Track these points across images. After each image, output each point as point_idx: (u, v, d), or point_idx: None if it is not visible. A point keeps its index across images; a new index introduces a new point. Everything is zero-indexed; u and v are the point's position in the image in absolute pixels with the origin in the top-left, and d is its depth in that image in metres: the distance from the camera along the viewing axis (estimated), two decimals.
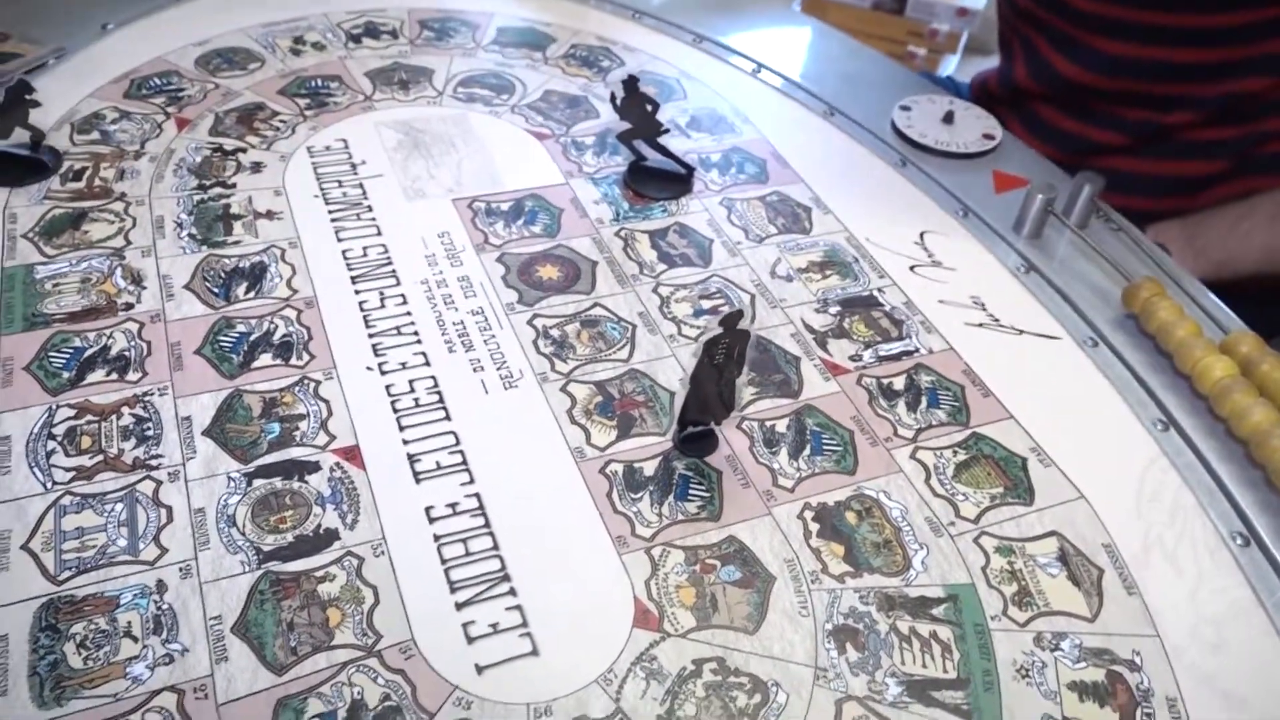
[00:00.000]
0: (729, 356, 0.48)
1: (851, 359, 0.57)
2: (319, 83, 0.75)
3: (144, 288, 0.57)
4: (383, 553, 0.45)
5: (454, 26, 0.83)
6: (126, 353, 0.53)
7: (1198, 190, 0.83)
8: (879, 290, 0.62)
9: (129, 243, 0.59)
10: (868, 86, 0.81)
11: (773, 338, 0.58)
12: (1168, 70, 0.78)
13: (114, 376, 0.52)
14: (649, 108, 0.66)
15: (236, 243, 0.60)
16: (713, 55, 0.83)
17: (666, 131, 0.67)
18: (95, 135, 0.67)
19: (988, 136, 0.75)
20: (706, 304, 0.60)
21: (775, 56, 0.83)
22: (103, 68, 0.73)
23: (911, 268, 0.64)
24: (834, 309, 0.61)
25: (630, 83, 0.65)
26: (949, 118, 0.76)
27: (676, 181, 0.68)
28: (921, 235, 0.67)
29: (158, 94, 0.71)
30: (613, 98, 0.67)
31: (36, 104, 0.64)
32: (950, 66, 1.88)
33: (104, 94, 0.71)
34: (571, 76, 0.79)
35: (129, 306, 0.55)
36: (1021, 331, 0.60)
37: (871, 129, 0.76)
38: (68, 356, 0.52)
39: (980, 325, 0.60)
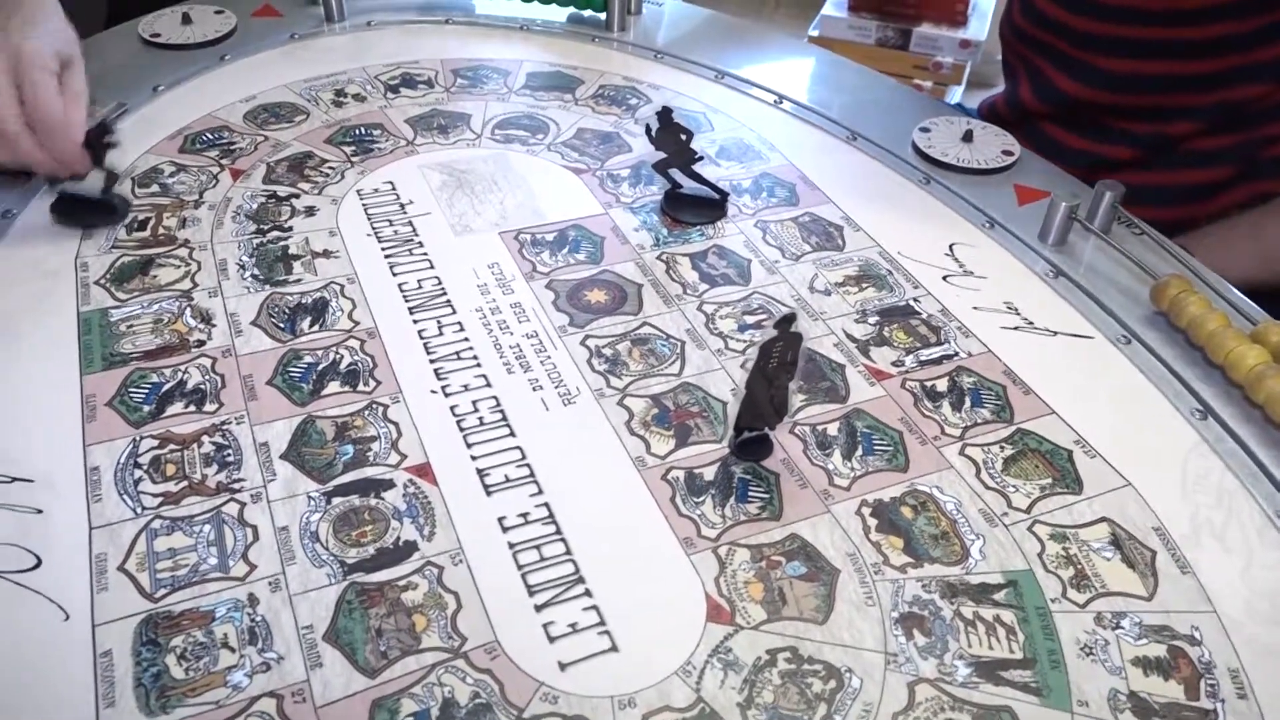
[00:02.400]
0: (781, 362, 0.50)
1: (894, 364, 0.59)
2: (363, 131, 0.78)
3: (213, 325, 0.59)
4: (461, 561, 0.47)
5: (486, 74, 0.87)
6: (202, 386, 0.55)
7: (1207, 197, 0.85)
8: (914, 300, 0.64)
9: (196, 285, 0.62)
10: (885, 111, 0.84)
11: (817, 347, 0.60)
12: (1168, 83, 0.81)
13: (192, 408, 0.54)
14: (683, 137, 0.69)
15: (297, 281, 0.63)
16: (735, 89, 0.86)
17: (701, 159, 0.70)
18: (155, 188, 0.70)
19: (1007, 153, 0.78)
20: (750, 319, 0.62)
21: (794, 88, 0.87)
22: (157, 126, 0.77)
23: (944, 278, 0.66)
24: (873, 319, 0.63)
25: (664, 114, 0.68)
26: (968, 136, 0.79)
27: (711, 207, 0.71)
28: (951, 247, 0.69)
29: (211, 148, 0.75)
30: (648, 129, 0.70)
31: (114, 144, 0.66)
32: (954, 99, 1.92)
33: (160, 150, 0.74)
34: (602, 115, 0.82)
35: (201, 343, 0.58)
36: (1055, 333, 0.62)
37: (893, 150, 0.79)
38: (147, 391, 0.55)
39: (1015, 329, 0.62)
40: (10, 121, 0.62)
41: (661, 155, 0.70)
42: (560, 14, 0.96)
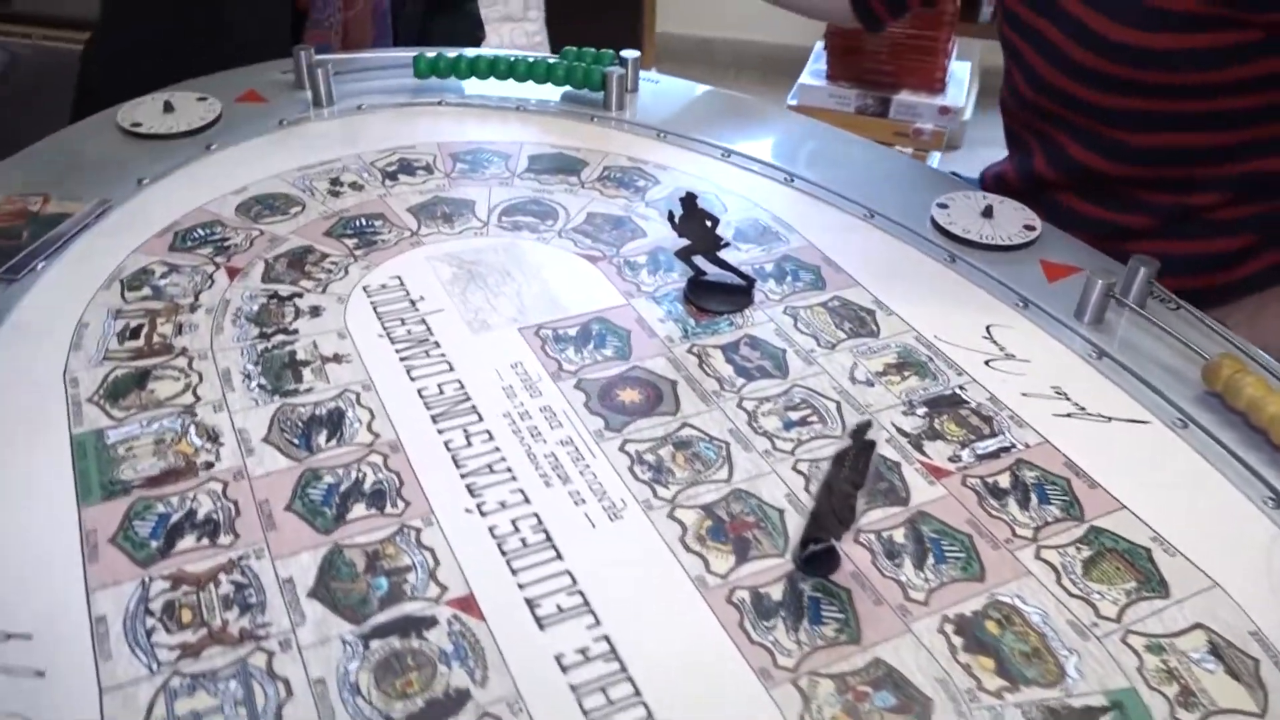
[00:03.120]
0: (852, 470, 0.46)
1: (951, 460, 0.56)
2: (363, 222, 0.74)
3: (221, 444, 0.55)
4: (521, 710, 0.42)
5: (486, 158, 0.84)
6: (214, 515, 0.50)
7: (1228, 266, 0.84)
8: (960, 388, 0.62)
9: (198, 399, 0.57)
10: (898, 187, 0.83)
11: None
12: (1190, 154, 0.81)
13: (205, 542, 0.49)
14: (709, 223, 0.66)
15: (308, 390, 0.59)
16: (743, 168, 0.84)
17: (727, 245, 0.67)
18: (147, 291, 0.66)
19: (1028, 227, 0.76)
20: (794, 415, 0.59)
21: (803, 164, 0.85)
22: (144, 222, 0.72)
23: (987, 362, 0.64)
24: (921, 410, 0.60)
25: (689, 200, 0.65)
26: (989, 212, 0.77)
27: (738, 294, 0.68)
28: (988, 329, 0.67)
29: (203, 244, 0.71)
30: (670, 216, 0.67)
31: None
32: (933, 164, 1.94)
33: (150, 248, 0.70)
34: (610, 198, 0.79)
35: (209, 465, 0.53)
36: (1110, 419, 0.60)
37: (912, 227, 0.77)
38: (153, 524, 0.50)
39: (1069, 415, 0.60)
40: None
41: (685, 242, 0.67)
42: (555, 93, 0.94)
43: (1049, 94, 0.86)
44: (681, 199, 0.66)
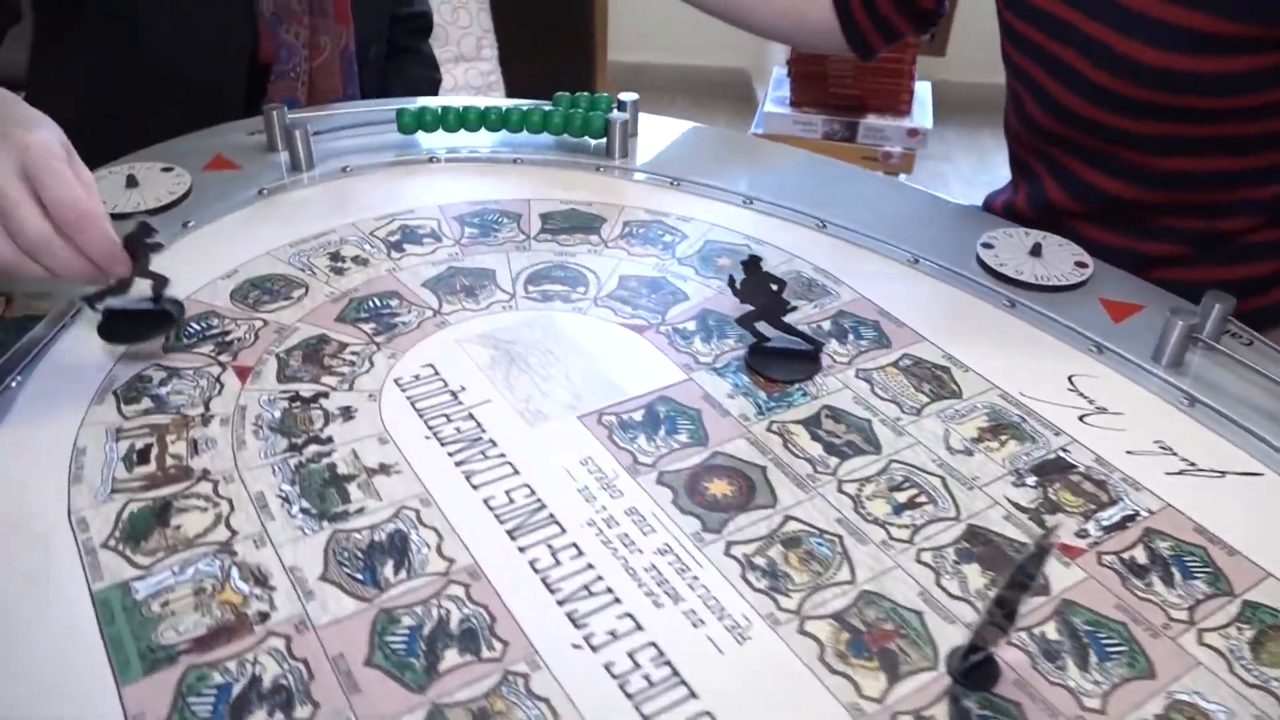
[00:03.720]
0: (1024, 572, 0.42)
1: (1079, 535, 0.52)
2: (377, 303, 0.67)
3: (273, 589, 0.47)
4: None
5: (494, 219, 0.77)
6: (283, 681, 0.43)
7: (1262, 290, 0.82)
8: (1063, 450, 0.58)
9: (234, 532, 0.50)
10: (934, 225, 0.79)
11: (988, 524, 0.53)
12: (1221, 179, 0.78)
13: (280, 717, 0.42)
14: (773, 286, 0.61)
15: (360, 510, 0.51)
16: (770, 215, 0.80)
17: (793, 310, 0.62)
18: (147, 403, 0.58)
19: (1080, 265, 0.73)
20: (900, 496, 0.54)
21: (828, 208, 0.80)
22: None
23: (1081, 418, 0.60)
24: (1030, 479, 0.56)
25: (752, 263, 0.60)
26: (1037, 250, 0.74)
27: (804, 360, 0.63)
28: (1070, 379, 0.63)
29: (202, 341, 0.63)
30: (731, 281, 0.61)
31: (159, 246, 0.59)
32: None
33: (139, 351, 0.62)
34: (639, 258, 0.73)
35: (264, 617, 0.46)
36: (1224, 473, 0.56)
37: (959, 270, 0.73)
38: (213, 700, 0.42)
39: (1181, 473, 0.56)
40: (35, 227, 0.54)
41: (747, 308, 0.62)
42: (547, 141, 0.88)
43: (1065, 119, 0.84)
44: (744, 262, 0.60)
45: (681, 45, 2.62)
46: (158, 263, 0.60)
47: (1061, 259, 0.74)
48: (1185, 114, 0.76)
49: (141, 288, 0.60)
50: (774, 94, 2.01)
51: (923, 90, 1.97)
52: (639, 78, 2.59)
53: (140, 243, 0.58)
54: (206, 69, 0.92)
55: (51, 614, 0.45)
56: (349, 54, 1.00)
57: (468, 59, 1.47)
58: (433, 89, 1.18)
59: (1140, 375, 0.64)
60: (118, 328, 0.60)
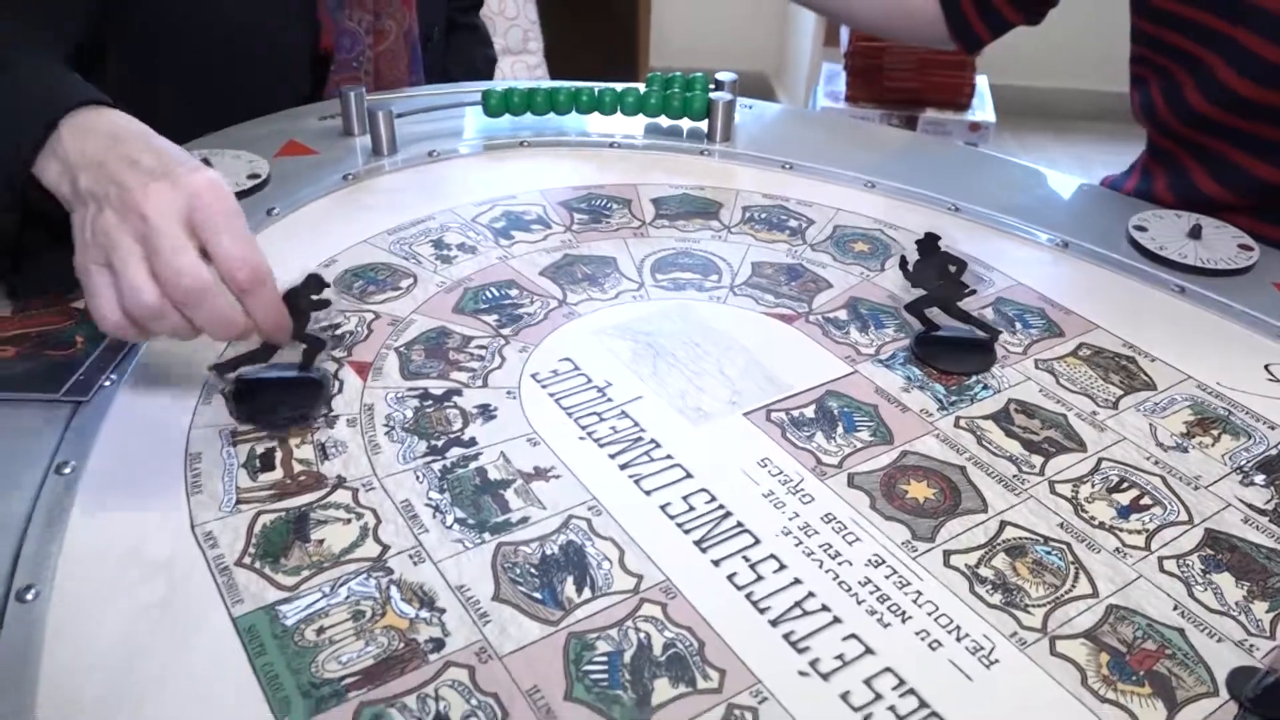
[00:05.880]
0: None
1: None
2: (496, 293, 0.61)
3: (441, 610, 0.41)
4: None
5: (603, 205, 0.71)
6: (474, 719, 0.37)
7: None
8: None
9: (385, 547, 0.43)
10: (1071, 208, 0.74)
11: (1228, 529, 0.47)
12: None
13: None
14: (952, 268, 0.55)
15: (523, 521, 0.45)
16: (896, 197, 0.74)
17: (973, 293, 0.56)
18: None
19: (1245, 247, 0.68)
20: (1123, 498, 0.48)
21: (957, 191, 0.74)
22: None
23: None
24: (1259, 478, 0.50)
25: (929, 241, 0.55)
26: (1196, 232, 0.68)
27: (980, 350, 0.57)
28: (1267, 368, 0.57)
29: None
30: (903, 262, 0.56)
31: (325, 304, 0.50)
32: None
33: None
34: (766, 244, 0.67)
35: (438, 645, 0.39)
36: None
37: (1114, 254, 0.68)
38: None
39: None
40: (194, 278, 0.45)
41: (920, 293, 0.56)
42: (636, 125, 0.82)
43: (1236, 107, 0.77)
44: (919, 241, 0.55)
45: (710, 51, 2.58)
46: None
47: (1223, 241, 0.68)
48: None
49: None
50: (826, 88, 1.96)
51: (983, 84, 1.91)
52: None
53: (305, 300, 0.50)
54: (267, 63, 0.85)
55: (190, 648, 0.39)
56: (413, 38, 0.94)
57: (514, 52, 1.41)
58: (489, 68, 1.11)
59: None
60: (259, 403, 0.50)
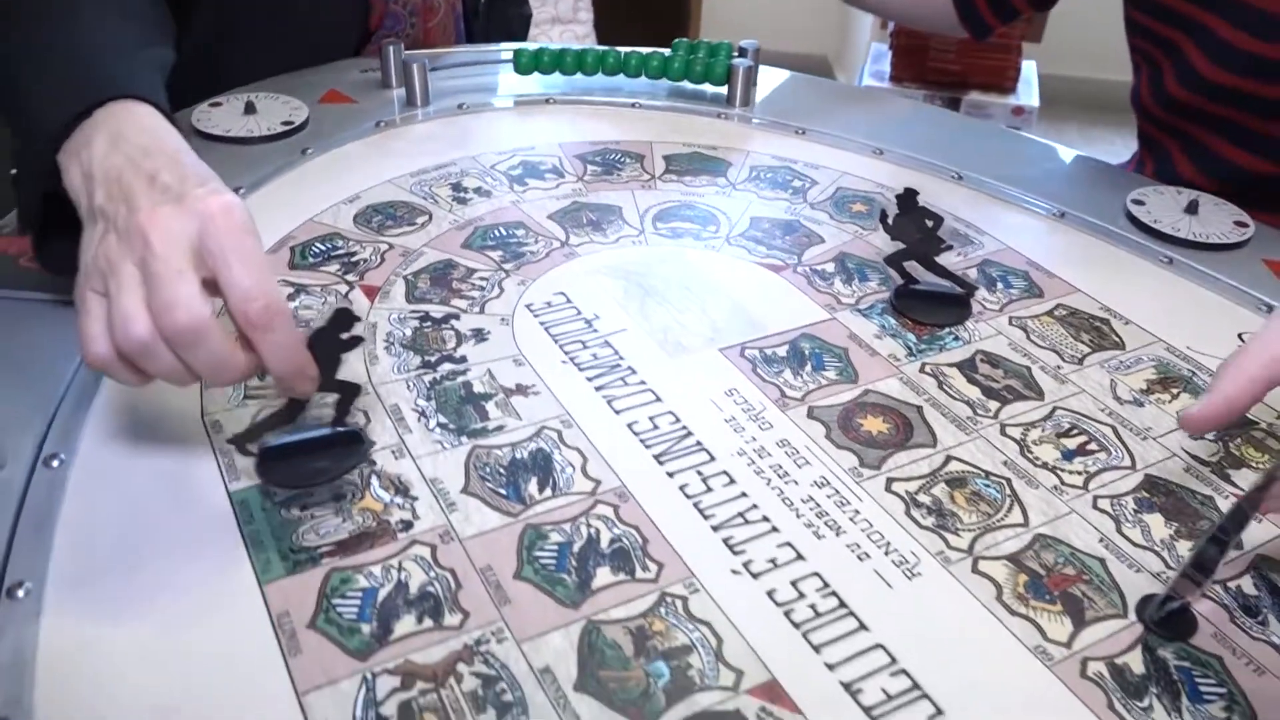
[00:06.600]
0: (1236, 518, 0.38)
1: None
2: (504, 232, 0.65)
3: (414, 498, 0.45)
4: None
5: (617, 159, 0.75)
6: (430, 588, 0.41)
7: None
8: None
9: (372, 442, 0.48)
10: (1074, 181, 0.75)
11: (1168, 475, 0.49)
12: None
13: (428, 623, 0.39)
14: (929, 223, 0.57)
15: (499, 428, 0.49)
16: (903, 165, 0.76)
17: (949, 248, 0.59)
18: None
19: (1240, 224, 0.69)
20: (1071, 442, 0.50)
21: (966, 161, 0.76)
22: None
23: None
24: (1209, 434, 0.52)
25: (908, 196, 0.57)
26: (1193, 207, 0.69)
27: (955, 304, 0.59)
28: (1240, 337, 0.59)
29: (328, 260, 0.61)
30: (883, 216, 0.58)
31: (358, 342, 0.44)
32: None
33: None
34: (769, 200, 0.70)
35: (407, 525, 0.44)
36: None
37: (1110, 226, 0.69)
38: (358, 603, 0.40)
39: None
40: (199, 326, 0.40)
41: (899, 246, 0.59)
42: (663, 88, 0.86)
43: (1209, 92, 0.78)
44: (899, 195, 0.57)
45: (766, 32, 2.59)
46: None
47: (1219, 218, 0.69)
48: None
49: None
50: (872, 68, 1.96)
51: (1028, 69, 1.90)
52: None
53: (334, 341, 0.43)
54: (315, 44, 0.89)
55: (190, 510, 0.44)
56: (458, 11, 0.98)
57: (564, 21, 1.45)
58: (524, 26, 1.14)
59: None
60: (291, 469, 0.44)
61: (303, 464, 0.44)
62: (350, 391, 0.45)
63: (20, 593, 0.39)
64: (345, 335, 0.44)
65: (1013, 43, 1.78)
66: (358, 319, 0.44)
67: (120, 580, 0.40)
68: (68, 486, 0.44)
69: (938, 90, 1.85)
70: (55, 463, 0.45)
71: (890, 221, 0.58)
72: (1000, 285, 0.63)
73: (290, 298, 0.57)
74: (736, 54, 0.86)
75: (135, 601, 0.40)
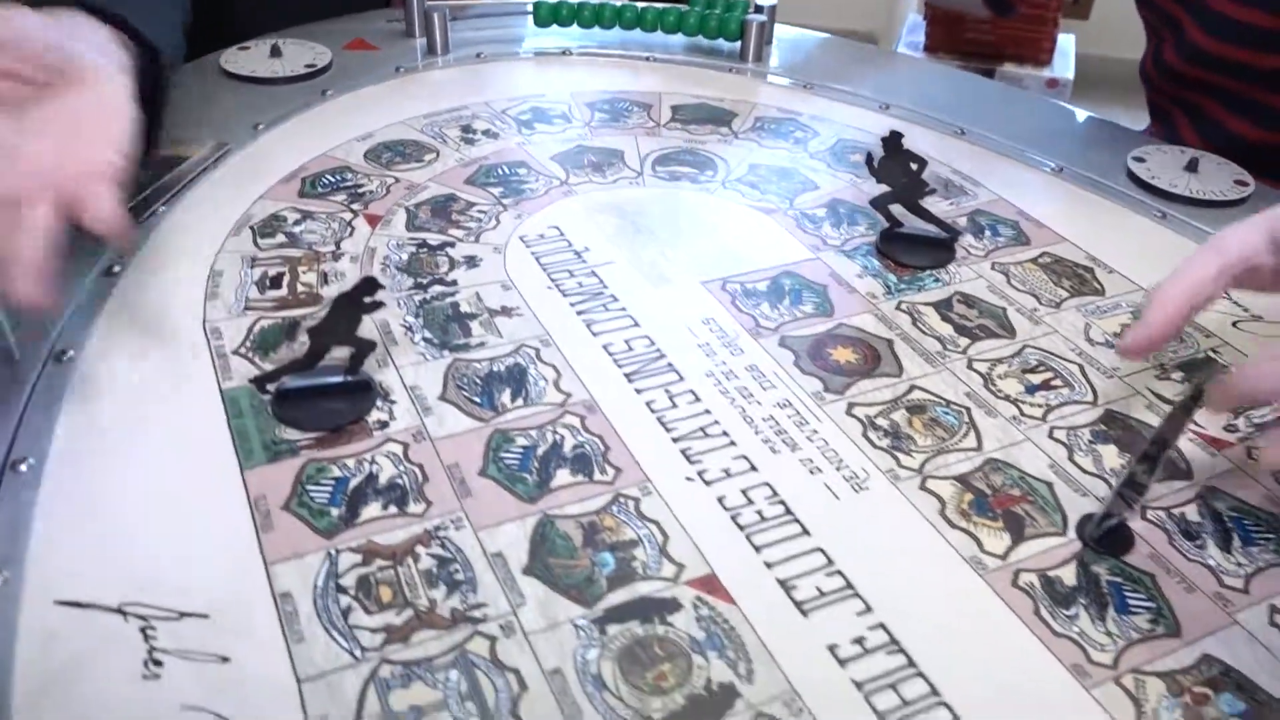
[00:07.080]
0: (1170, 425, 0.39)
1: (1227, 429, 0.49)
2: (507, 170, 0.67)
3: (393, 402, 0.48)
4: (802, 709, 0.35)
5: (624, 107, 0.76)
6: (399, 480, 0.43)
7: None
8: (1214, 351, 0.54)
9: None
10: (1078, 140, 0.75)
11: (1129, 411, 0.50)
12: None
13: (393, 510, 0.42)
14: (913, 166, 0.59)
15: (480, 344, 0.52)
16: (909, 120, 0.77)
17: (933, 192, 0.60)
18: (281, 238, 0.59)
19: (1240, 183, 0.69)
20: (1035, 378, 0.51)
21: (968, 117, 0.77)
22: (266, 168, 0.66)
23: (1234, 324, 0.56)
24: (1176, 375, 0.52)
25: (893, 139, 0.58)
26: (1193, 165, 0.69)
27: (938, 248, 0.61)
28: (1227, 293, 0.59)
29: (335, 191, 0.64)
30: (869, 159, 0.60)
31: (378, 306, 0.47)
32: None
33: (276, 194, 0.63)
34: (769, 149, 0.72)
35: (383, 425, 0.46)
36: None
37: (1108, 182, 0.69)
38: (330, 490, 0.43)
39: None
40: None
41: (884, 189, 0.60)
42: (679, 43, 0.87)
43: (1203, 63, 0.78)
44: (884, 138, 0.58)
45: (813, 8, 2.58)
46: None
47: (1220, 176, 0.69)
48: None
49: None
50: (907, 39, 1.95)
51: (1065, 42, 1.87)
52: None
53: (358, 303, 0.46)
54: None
55: (184, 401, 0.47)
56: None
57: None
58: None
59: None
60: (304, 410, 0.46)
61: (315, 406, 0.47)
62: (366, 346, 0.48)
63: (23, 467, 0.43)
64: (368, 299, 0.46)
65: (1049, 14, 1.76)
66: (381, 286, 0.46)
67: (116, 460, 0.44)
68: (74, 378, 0.48)
69: (972, 61, 1.83)
70: (65, 358, 0.49)
71: (875, 164, 0.59)
72: (988, 233, 0.63)
73: (296, 222, 0.60)
74: (753, 9, 0.87)
75: (128, 479, 0.43)
